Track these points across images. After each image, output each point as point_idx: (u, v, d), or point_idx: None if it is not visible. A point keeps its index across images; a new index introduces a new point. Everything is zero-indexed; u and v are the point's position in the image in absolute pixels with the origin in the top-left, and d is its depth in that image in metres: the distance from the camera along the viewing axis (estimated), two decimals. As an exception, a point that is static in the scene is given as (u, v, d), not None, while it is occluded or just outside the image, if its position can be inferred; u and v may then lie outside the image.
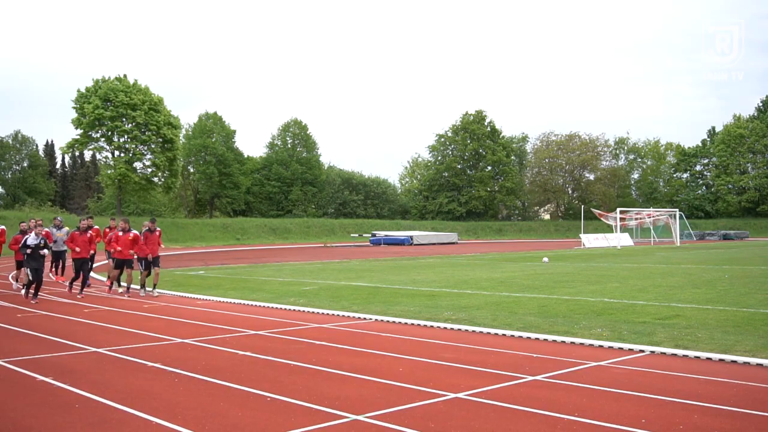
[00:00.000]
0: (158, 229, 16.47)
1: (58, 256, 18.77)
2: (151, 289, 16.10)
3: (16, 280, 17.87)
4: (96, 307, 13.67)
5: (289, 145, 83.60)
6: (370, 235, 62.58)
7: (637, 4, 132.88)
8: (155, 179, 65.40)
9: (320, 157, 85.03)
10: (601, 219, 56.09)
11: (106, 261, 18.08)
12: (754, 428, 5.18)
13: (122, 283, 16.56)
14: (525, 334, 9.43)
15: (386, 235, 59.59)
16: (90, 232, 15.95)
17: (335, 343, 9.05)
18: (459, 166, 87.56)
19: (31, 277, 14.94)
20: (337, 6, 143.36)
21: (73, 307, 13.71)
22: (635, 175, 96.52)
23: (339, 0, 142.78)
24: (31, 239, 14.88)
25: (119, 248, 15.80)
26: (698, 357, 7.77)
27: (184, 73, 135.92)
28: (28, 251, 14.60)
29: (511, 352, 8.29)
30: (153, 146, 62.96)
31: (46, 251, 15.12)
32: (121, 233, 15.98)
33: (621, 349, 8.37)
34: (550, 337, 9.17)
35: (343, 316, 11.73)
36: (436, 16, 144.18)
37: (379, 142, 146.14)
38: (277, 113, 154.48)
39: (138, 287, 16.21)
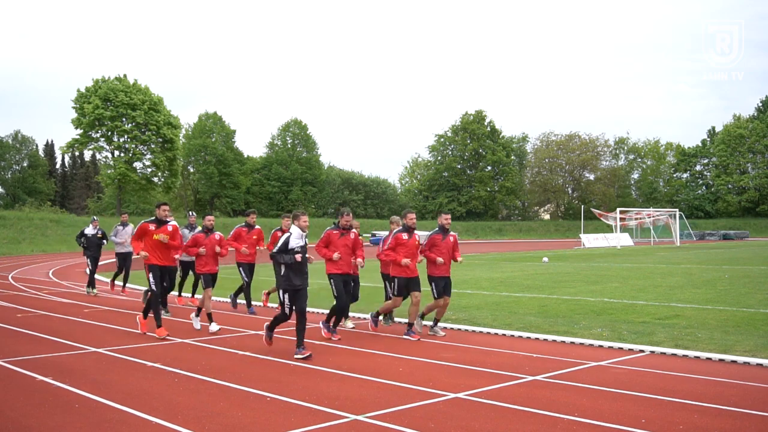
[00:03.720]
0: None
1: (124, 260, 15.53)
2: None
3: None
4: (96, 307, 13.67)
5: (289, 145, 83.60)
6: (370, 235, 62.56)
7: (637, 4, 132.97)
8: (155, 179, 65.45)
9: (320, 157, 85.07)
10: (601, 219, 56.07)
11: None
12: (754, 428, 5.18)
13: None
14: (525, 334, 9.43)
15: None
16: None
17: (335, 343, 9.05)
18: (459, 166, 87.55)
19: (91, 267, 15.77)
20: (337, 6, 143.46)
21: (73, 307, 13.70)
22: (635, 175, 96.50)
23: (339, 0, 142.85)
24: (89, 230, 15.61)
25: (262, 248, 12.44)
26: (698, 357, 7.76)
27: (184, 73, 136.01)
28: (85, 241, 15.55)
29: (511, 352, 8.29)
30: (153, 146, 62.99)
31: (105, 242, 15.71)
32: (247, 230, 12.34)
33: (621, 349, 8.37)
34: (550, 337, 9.17)
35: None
36: (436, 16, 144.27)
37: (379, 142, 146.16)
38: (277, 113, 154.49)
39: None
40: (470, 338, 9.39)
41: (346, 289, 9.52)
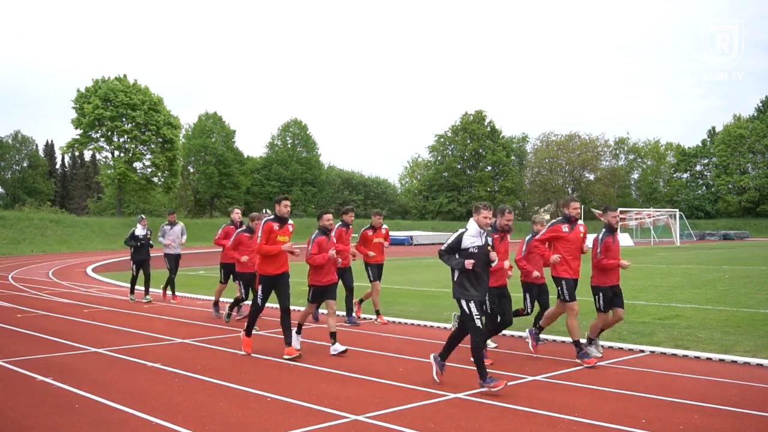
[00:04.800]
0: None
1: (174, 263, 14.38)
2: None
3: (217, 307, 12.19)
4: (96, 307, 13.66)
5: (289, 145, 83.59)
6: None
7: (637, 4, 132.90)
8: (155, 179, 65.41)
9: (320, 157, 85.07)
10: (601, 219, 55.98)
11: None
12: (754, 428, 5.18)
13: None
14: (525, 334, 9.41)
15: (386, 235, 59.44)
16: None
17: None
18: (459, 166, 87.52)
19: (135, 273, 14.42)
20: (337, 6, 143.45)
21: (73, 307, 13.70)
22: (635, 175, 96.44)
23: (339, 0, 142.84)
24: (139, 230, 14.23)
25: (371, 253, 10.92)
26: (698, 357, 7.76)
27: (184, 73, 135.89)
28: (137, 244, 14.16)
29: (511, 353, 8.29)
30: (153, 146, 62.95)
31: (152, 243, 14.57)
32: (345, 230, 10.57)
33: (621, 349, 8.36)
34: (551, 337, 9.17)
35: (343, 316, 11.72)
36: (436, 16, 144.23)
37: (379, 142, 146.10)
38: (277, 113, 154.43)
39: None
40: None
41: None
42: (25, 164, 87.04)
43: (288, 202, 8.45)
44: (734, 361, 7.37)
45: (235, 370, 7.39)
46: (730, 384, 6.58)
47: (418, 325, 10.58)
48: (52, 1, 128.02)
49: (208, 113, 79.55)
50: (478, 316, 6.37)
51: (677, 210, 57.40)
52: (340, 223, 10.37)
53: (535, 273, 8.21)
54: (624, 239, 50.93)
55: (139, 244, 14.24)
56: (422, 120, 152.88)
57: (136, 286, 14.62)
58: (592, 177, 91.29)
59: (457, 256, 6.43)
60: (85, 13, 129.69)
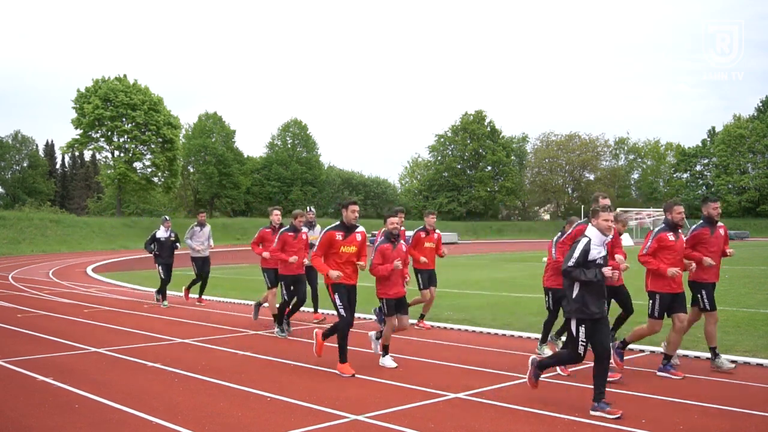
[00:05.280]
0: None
1: (202, 266, 13.80)
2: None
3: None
4: (96, 307, 13.66)
5: (289, 145, 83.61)
6: (370, 235, 62.57)
7: (637, 4, 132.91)
8: (155, 179, 65.42)
9: (320, 157, 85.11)
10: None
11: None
12: (754, 428, 5.18)
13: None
14: (525, 334, 9.42)
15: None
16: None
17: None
18: (459, 166, 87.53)
19: (163, 275, 13.50)
20: (337, 6, 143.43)
21: (73, 307, 13.70)
22: (635, 175, 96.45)
23: (339, 0, 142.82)
24: (161, 232, 13.58)
25: (423, 258, 10.17)
26: (698, 357, 7.76)
27: (184, 73, 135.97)
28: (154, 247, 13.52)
29: (511, 352, 8.29)
30: (153, 146, 62.97)
31: (178, 245, 13.74)
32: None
33: (621, 349, 8.34)
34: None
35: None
36: (436, 16, 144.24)
37: (379, 142, 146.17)
38: (277, 113, 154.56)
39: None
40: (470, 338, 9.38)
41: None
42: (25, 164, 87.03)
43: (356, 207, 7.38)
44: (734, 361, 7.36)
45: (235, 370, 7.39)
46: (729, 384, 6.58)
47: (419, 325, 10.56)
48: (52, 1, 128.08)
49: (208, 113, 79.62)
50: (584, 343, 5.72)
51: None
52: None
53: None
54: (624, 239, 50.89)
55: (158, 246, 13.53)
56: (422, 120, 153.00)
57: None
58: (592, 177, 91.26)
59: (585, 269, 5.69)
60: (85, 13, 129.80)
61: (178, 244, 13.81)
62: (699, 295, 7.26)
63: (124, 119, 61.28)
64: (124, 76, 62.85)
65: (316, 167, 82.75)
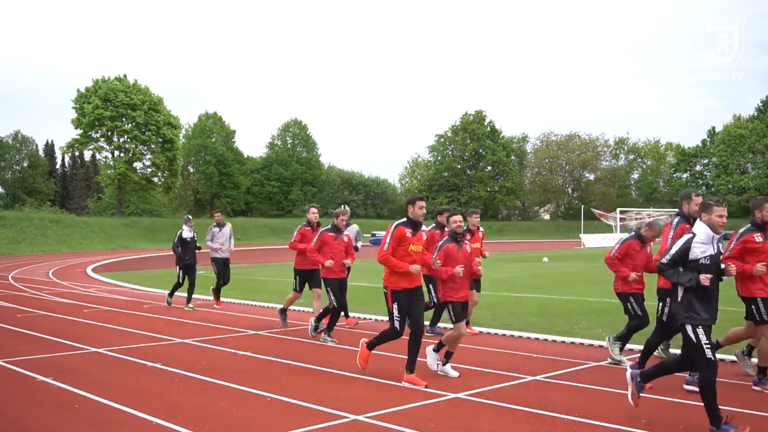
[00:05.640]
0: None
1: (224, 268, 13.27)
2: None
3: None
4: (96, 307, 13.66)
5: (289, 145, 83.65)
6: (369, 235, 62.53)
7: (637, 4, 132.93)
8: (155, 179, 65.46)
9: (320, 157, 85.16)
10: (601, 219, 56.06)
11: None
12: (754, 428, 5.18)
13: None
14: (525, 334, 9.42)
15: (386, 236, 59.45)
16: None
17: (335, 343, 9.03)
18: (459, 166, 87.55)
19: (181, 278, 13.02)
20: (337, 6, 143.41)
21: (73, 307, 13.70)
22: (635, 175, 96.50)
23: (339, 0, 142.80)
24: (186, 232, 12.98)
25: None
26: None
27: (184, 73, 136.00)
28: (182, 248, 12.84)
29: (511, 352, 8.29)
30: (153, 146, 63.00)
31: (200, 245, 13.20)
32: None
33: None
34: (550, 337, 9.17)
35: (343, 316, 11.72)
36: (436, 16, 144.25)
37: (379, 142, 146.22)
38: (277, 113, 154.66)
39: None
40: (470, 338, 9.38)
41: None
42: (25, 164, 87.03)
43: (423, 203, 6.93)
44: (734, 361, 7.36)
45: (235, 370, 7.39)
46: (729, 384, 6.58)
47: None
48: (52, 1, 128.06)
49: (208, 113, 79.69)
50: (708, 345, 5.05)
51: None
52: (433, 225, 8.88)
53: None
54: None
55: (184, 247, 12.99)
56: (422, 120, 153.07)
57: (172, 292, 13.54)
58: (592, 177, 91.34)
59: (681, 269, 5.21)
60: (85, 13, 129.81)
61: (199, 245, 13.35)
62: (753, 307, 6.43)
63: (124, 119, 61.31)
64: (124, 76, 62.90)
65: (316, 167, 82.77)
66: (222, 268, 13.14)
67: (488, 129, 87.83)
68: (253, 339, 9.53)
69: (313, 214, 10.18)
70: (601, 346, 8.50)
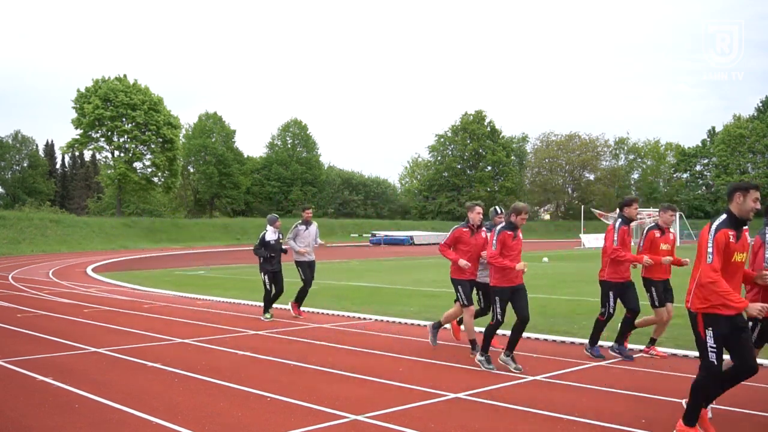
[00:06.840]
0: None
1: (310, 272, 11.82)
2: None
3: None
4: (96, 307, 13.66)
5: (289, 145, 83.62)
6: (369, 235, 62.51)
7: (637, 4, 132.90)
8: (155, 179, 65.41)
9: (320, 157, 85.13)
10: (601, 219, 56.03)
11: None
12: (754, 428, 5.18)
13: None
14: (525, 334, 9.40)
15: (386, 235, 59.59)
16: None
17: (335, 343, 9.04)
18: (459, 166, 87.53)
19: (269, 286, 11.60)
20: (337, 6, 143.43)
21: (73, 307, 13.70)
22: (635, 175, 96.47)
23: (339, 0, 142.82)
24: (270, 234, 11.59)
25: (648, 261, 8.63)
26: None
27: (184, 73, 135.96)
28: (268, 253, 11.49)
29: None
30: (153, 146, 62.95)
31: (285, 248, 11.73)
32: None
33: (621, 349, 8.34)
34: (550, 337, 9.17)
35: (344, 316, 11.72)
36: (436, 16, 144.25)
37: (379, 142, 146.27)
38: (277, 113, 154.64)
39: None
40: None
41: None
42: (25, 164, 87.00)
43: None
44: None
45: (235, 370, 7.39)
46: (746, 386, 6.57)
47: (418, 325, 10.57)
48: (52, 1, 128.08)
49: (208, 113, 79.62)
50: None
51: (677, 210, 57.31)
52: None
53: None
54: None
55: (268, 250, 11.55)
56: (422, 120, 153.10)
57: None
58: (592, 177, 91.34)
59: None
60: (85, 13, 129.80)
61: (285, 247, 11.77)
62: None
63: (124, 119, 61.27)
64: (124, 76, 62.85)
65: (316, 167, 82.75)
66: (308, 273, 11.65)
67: (488, 129, 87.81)
68: (253, 339, 9.54)
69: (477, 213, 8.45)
70: (601, 346, 8.50)
